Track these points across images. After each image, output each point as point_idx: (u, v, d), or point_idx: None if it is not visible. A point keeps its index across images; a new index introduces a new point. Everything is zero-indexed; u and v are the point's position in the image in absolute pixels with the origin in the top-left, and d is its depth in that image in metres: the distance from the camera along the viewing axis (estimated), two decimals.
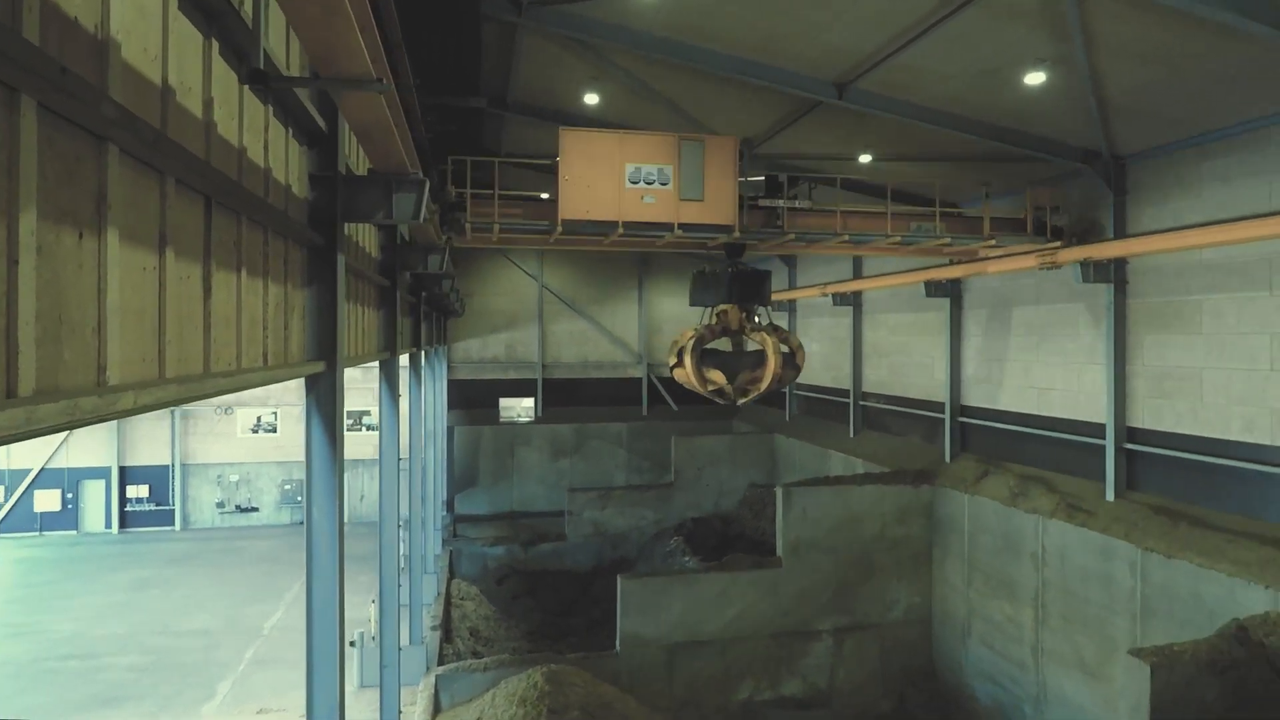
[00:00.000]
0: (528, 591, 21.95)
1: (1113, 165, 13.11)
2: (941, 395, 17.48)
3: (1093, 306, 13.56)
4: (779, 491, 15.30)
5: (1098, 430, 13.13)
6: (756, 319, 14.91)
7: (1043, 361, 14.83)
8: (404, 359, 14.88)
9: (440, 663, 14.64)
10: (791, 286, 25.65)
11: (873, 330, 21.31)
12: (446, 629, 17.55)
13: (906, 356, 19.48)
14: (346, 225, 7.51)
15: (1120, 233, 13.03)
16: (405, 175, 6.30)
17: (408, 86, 6.12)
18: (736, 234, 12.71)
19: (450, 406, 26.87)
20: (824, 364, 23.62)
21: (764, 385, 14.29)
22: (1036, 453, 14.76)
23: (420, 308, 15.51)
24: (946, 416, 17.16)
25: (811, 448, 22.55)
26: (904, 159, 15.56)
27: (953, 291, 17.24)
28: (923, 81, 11.82)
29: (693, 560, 19.91)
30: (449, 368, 27.13)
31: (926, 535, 16.04)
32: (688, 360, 14.22)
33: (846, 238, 13.52)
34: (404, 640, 14.43)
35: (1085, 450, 13.42)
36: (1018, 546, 13.76)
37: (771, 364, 14.07)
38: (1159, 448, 12.11)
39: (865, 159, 15.61)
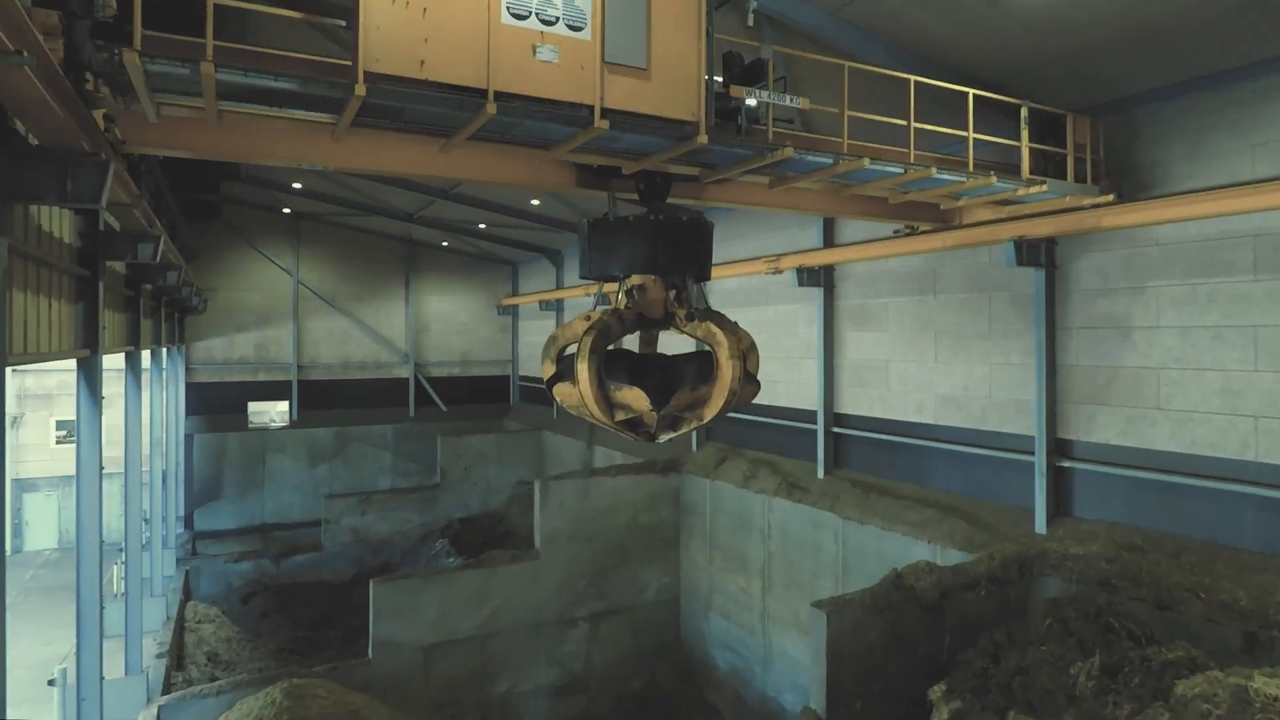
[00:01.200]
0: (279, 608, 20.58)
1: None
2: None
3: (809, 307, 15.37)
4: (536, 486, 15.68)
5: (813, 417, 14.91)
6: (690, 302, 8.07)
7: (772, 357, 16.52)
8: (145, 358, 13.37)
9: (167, 692, 13.34)
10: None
11: None
12: (178, 656, 15.99)
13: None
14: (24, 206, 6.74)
15: (829, 243, 14.89)
16: (82, 154, 5.78)
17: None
18: (702, 137, 6.82)
19: (190, 412, 24.41)
20: None
21: (712, 411, 7.60)
22: (768, 439, 16.42)
23: (144, 302, 14.03)
24: None
25: (577, 443, 23.27)
26: None
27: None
28: None
29: (457, 560, 19.78)
30: (188, 370, 24.63)
31: (675, 520, 17.22)
32: (582, 371, 7.22)
33: (867, 162, 8.11)
34: (119, 672, 12.99)
35: (804, 435, 15.17)
36: (749, 524, 15.24)
37: (726, 376, 7.44)
38: (858, 430, 14.03)
39: None
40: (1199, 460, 9.11)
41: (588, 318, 7.53)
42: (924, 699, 8.26)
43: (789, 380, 15.92)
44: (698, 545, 16.72)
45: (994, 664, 7.94)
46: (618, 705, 15.84)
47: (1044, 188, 9.25)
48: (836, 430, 14.47)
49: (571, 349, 7.62)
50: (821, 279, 14.73)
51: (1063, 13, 8.47)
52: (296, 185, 21.53)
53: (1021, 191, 9.33)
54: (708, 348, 7.68)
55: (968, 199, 9.89)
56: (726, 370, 7.38)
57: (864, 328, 14.12)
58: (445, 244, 28.02)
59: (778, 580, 14.50)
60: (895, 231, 12.51)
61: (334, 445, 26.33)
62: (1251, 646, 7.68)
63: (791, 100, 7.89)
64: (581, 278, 8.22)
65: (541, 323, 27.10)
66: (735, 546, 15.60)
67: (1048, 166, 9.71)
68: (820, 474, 14.44)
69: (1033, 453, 10.72)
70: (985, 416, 11.74)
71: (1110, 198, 9.75)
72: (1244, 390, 8.78)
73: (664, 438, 7.66)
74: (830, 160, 7.98)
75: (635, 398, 7.28)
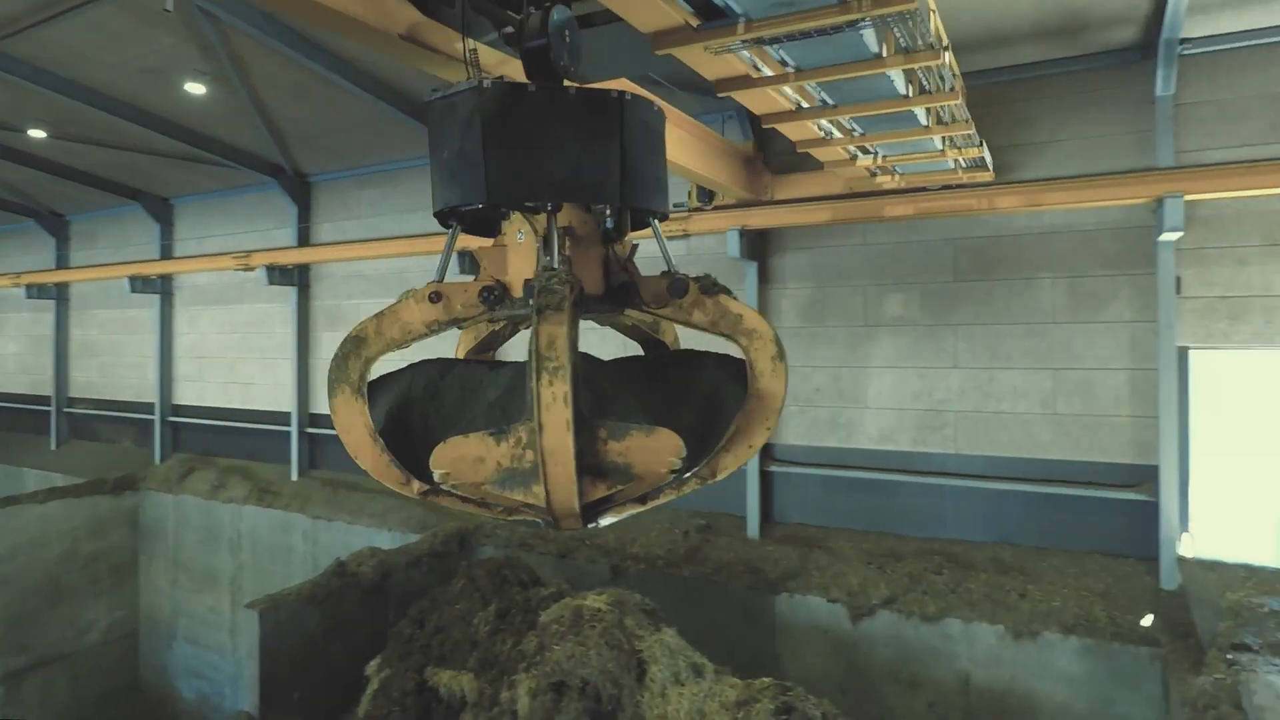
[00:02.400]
0: None
1: (297, 182, 14.72)
2: (153, 395, 16.79)
3: (284, 307, 14.96)
4: None
5: (289, 419, 14.57)
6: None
7: (247, 358, 15.66)
8: None
9: None
10: None
11: (83, 328, 19.05)
12: None
13: (119, 356, 18.05)
14: None
15: (304, 242, 14.72)
16: None
17: None
18: None
19: None
20: (21, 367, 20.09)
21: (739, 459, 3.10)
22: (243, 445, 15.51)
23: None
24: (157, 417, 16.56)
25: (3, 468, 18.88)
26: (90, 142, 14.37)
27: (164, 288, 16.73)
28: (84, 64, 11.15)
29: None
30: None
31: (132, 543, 15.21)
32: (556, 412, 2.47)
33: None
34: None
35: (281, 438, 14.72)
36: (218, 537, 14.25)
37: (777, 390, 3.09)
38: (332, 430, 14.12)
39: (38, 134, 13.84)
40: None
41: (435, 296, 3.08)
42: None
43: (265, 382, 15.30)
44: (161, 568, 15.02)
45: (419, 629, 8.85)
46: None
47: None
48: (312, 431, 14.39)
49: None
50: (296, 278, 14.49)
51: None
52: None
53: None
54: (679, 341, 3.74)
55: None
56: (776, 382, 3.17)
57: (338, 328, 14.30)
58: None
59: (249, 591, 13.82)
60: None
61: None
62: (615, 576, 9.92)
63: None
64: (437, 213, 3.20)
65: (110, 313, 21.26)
66: (203, 563, 14.43)
67: None
68: (294, 476, 14.21)
69: None
70: None
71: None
72: None
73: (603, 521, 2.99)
74: None
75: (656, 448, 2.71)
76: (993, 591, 7.98)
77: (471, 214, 3.02)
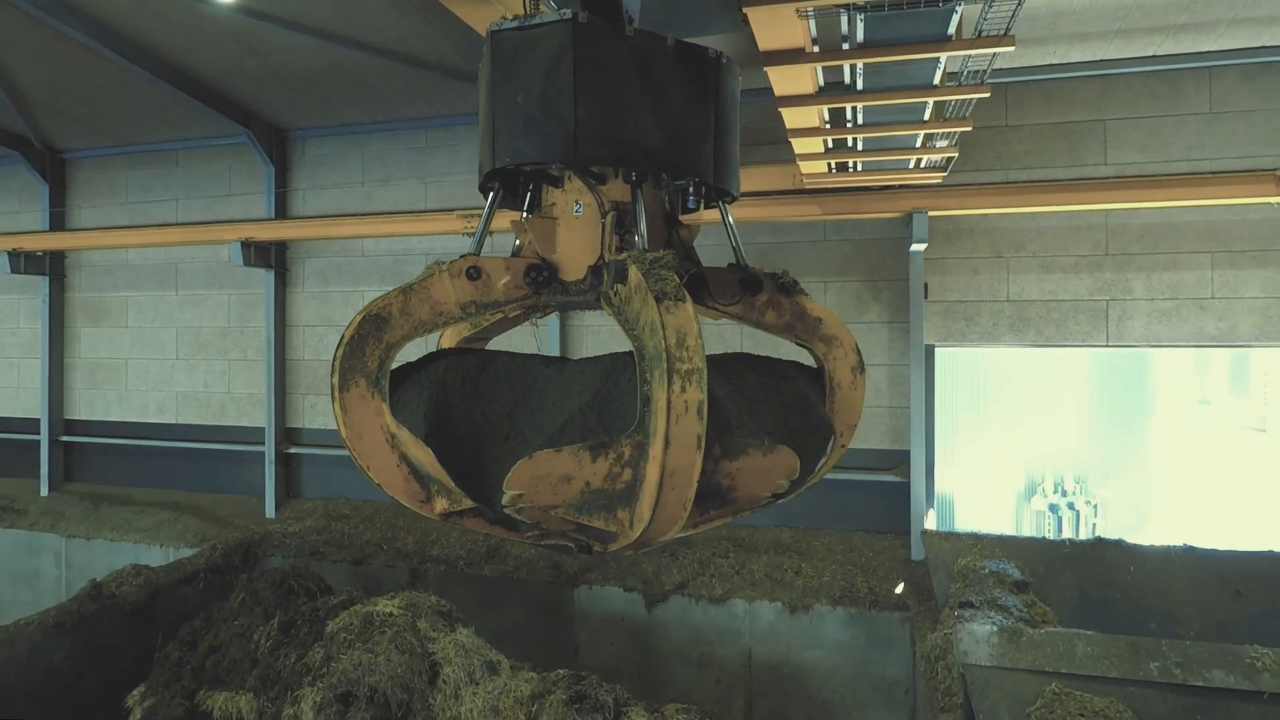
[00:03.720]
0: None
1: (48, 158, 13.00)
2: None
3: (32, 299, 13.17)
4: None
5: (37, 426, 12.84)
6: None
7: None
8: None
9: None
10: None
11: None
12: None
13: None
14: None
15: (59, 226, 13.03)
16: None
17: None
18: None
19: None
20: None
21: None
22: None
23: None
24: None
25: None
26: None
27: None
28: None
29: None
30: None
31: None
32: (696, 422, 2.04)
33: None
34: None
35: (26, 449, 12.94)
36: None
37: (858, 404, 2.99)
38: (95, 436, 12.65)
39: None
40: None
41: (474, 272, 2.47)
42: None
43: (7, 385, 13.38)
44: None
45: (191, 650, 8.15)
46: None
47: None
48: (67, 439, 12.78)
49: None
50: (47, 267, 12.80)
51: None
52: None
53: None
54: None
55: None
56: (856, 395, 2.92)
57: (103, 323, 12.80)
58: None
59: None
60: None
61: None
62: (415, 580, 9.66)
63: None
64: (485, 183, 2.65)
65: None
66: None
67: None
68: (44, 491, 12.54)
69: (264, 444, 11.36)
70: (224, 412, 11.94)
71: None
72: None
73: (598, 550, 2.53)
74: None
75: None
76: (773, 571, 8.61)
77: (513, 177, 2.52)
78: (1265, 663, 4.30)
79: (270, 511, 11.14)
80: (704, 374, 1.97)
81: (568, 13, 2.27)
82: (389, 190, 11.11)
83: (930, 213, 8.31)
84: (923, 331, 8.75)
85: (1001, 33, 4.48)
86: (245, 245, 10.79)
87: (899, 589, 8.16)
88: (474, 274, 2.44)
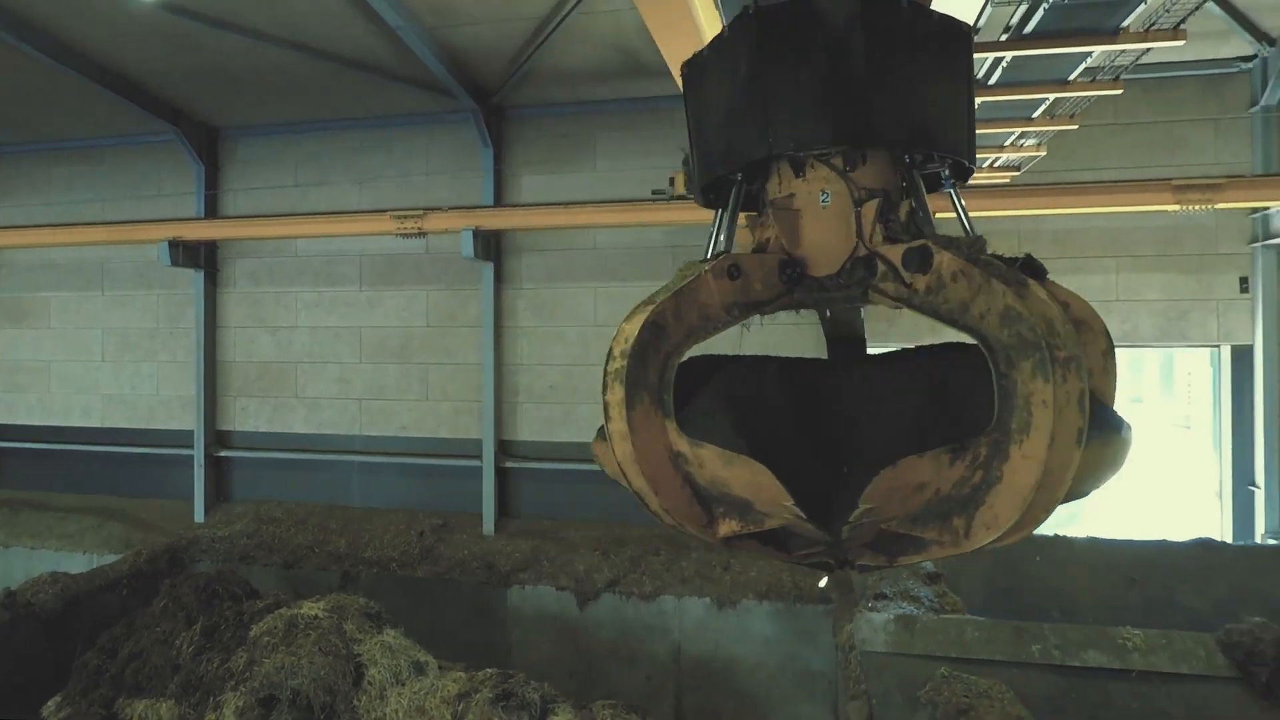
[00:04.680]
0: None
1: None
2: None
3: None
4: None
5: None
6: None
7: None
8: None
9: None
10: None
11: None
12: None
13: None
14: None
15: None
16: None
17: None
18: None
19: None
20: None
21: (1011, 515, 1.85)
22: None
23: None
24: None
25: None
26: None
27: None
28: None
29: None
30: None
31: None
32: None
33: None
34: None
35: None
36: None
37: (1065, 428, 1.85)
38: (15, 441, 12.26)
39: None
40: (324, 438, 10.94)
41: (735, 271, 2.30)
42: None
43: None
44: None
45: (110, 658, 7.99)
46: None
47: None
48: None
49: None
50: None
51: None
52: None
53: None
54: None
55: None
56: (1053, 410, 1.84)
57: (22, 324, 12.42)
58: None
59: None
60: None
61: None
62: (346, 582, 9.60)
63: None
64: (698, 200, 2.56)
65: None
66: None
67: None
68: None
69: (194, 447, 11.16)
70: (153, 415, 11.69)
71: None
72: (352, 379, 10.92)
73: (863, 563, 2.14)
74: None
75: (752, 479, 2.07)
76: (703, 568, 8.78)
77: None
78: (1135, 643, 4.59)
79: (199, 516, 10.95)
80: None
81: None
82: (323, 192, 11.02)
83: None
84: None
85: (1174, 26, 4.40)
86: (173, 245, 10.57)
87: (823, 583, 8.40)
88: (735, 273, 2.20)
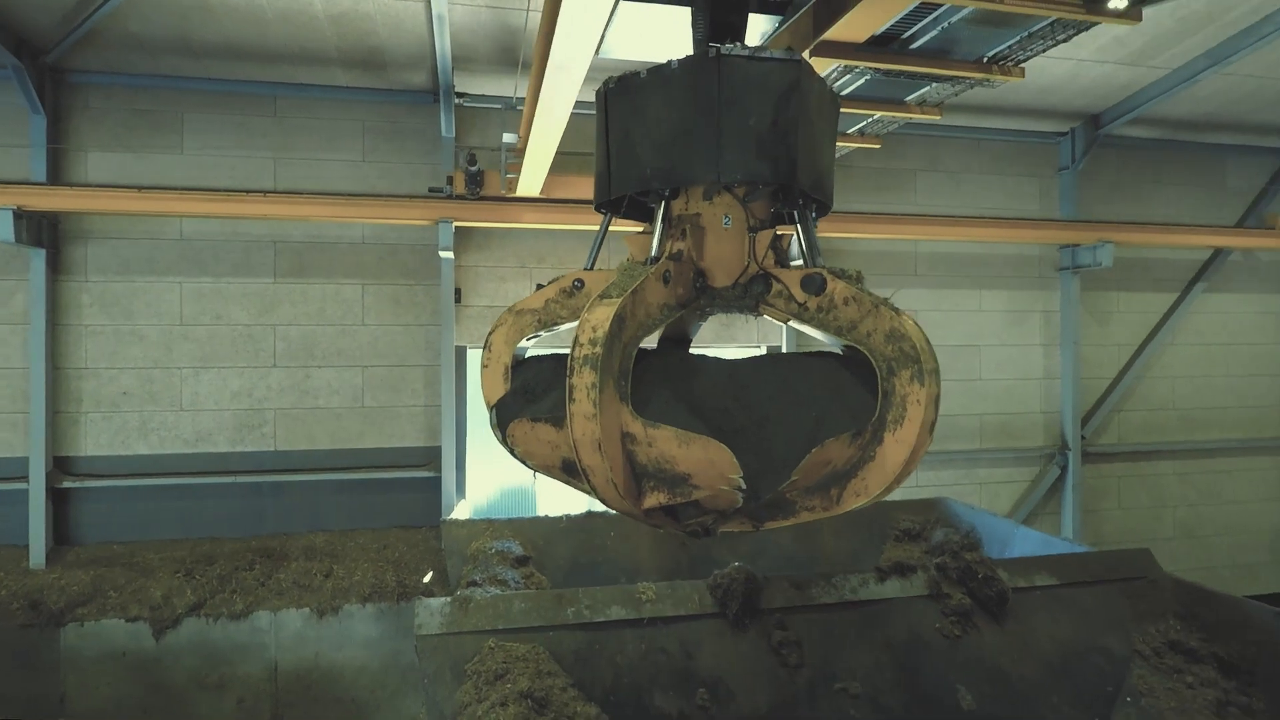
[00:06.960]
0: None
1: None
2: None
3: None
4: None
5: None
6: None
7: None
8: None
9: None
10: None
11: None
12: None
13: None
14: None
15: None
16: None
17: None
18: None
19: None
20: None
21: (881, 484, 2.42)
22: None
23: None
24: None
25: None
26: None
27: None
28: None
29: None
30: None
31: None
32: (581, 398, 2.12)
33: None
34: None
35: None
36: None
37: (923, 416, 2.38)
38: None
39: None
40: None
41: (668, 277, 2.63)
42: None
43: None
44: None
45: None
46: None
47: None
48: None
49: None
50: None
51: None
52: None
53: None
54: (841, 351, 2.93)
55: None
56: (924, 407, 2.47)
57: None
58: None
59: None
60: None
61: None
62: None
63: None
64: (599, 203, 2.99)
65: None
66: None
67: None
68: None
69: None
70: None
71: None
72: None
73: (727, 529, 2.70)
74: None
75: (708, 456, 2.26)
76: (301, 578, 8.44)
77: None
78: (648, 596, 5.45)
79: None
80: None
81: (793, 54, 2.55)
82: (218, 160, 8.82)
83: (457, 223, 8.92)
84: (453, 334, 9.33)
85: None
86: (18, 216, 7.78)
87: (427, 578, 8.59)
88: (668, 278, 2.56)
